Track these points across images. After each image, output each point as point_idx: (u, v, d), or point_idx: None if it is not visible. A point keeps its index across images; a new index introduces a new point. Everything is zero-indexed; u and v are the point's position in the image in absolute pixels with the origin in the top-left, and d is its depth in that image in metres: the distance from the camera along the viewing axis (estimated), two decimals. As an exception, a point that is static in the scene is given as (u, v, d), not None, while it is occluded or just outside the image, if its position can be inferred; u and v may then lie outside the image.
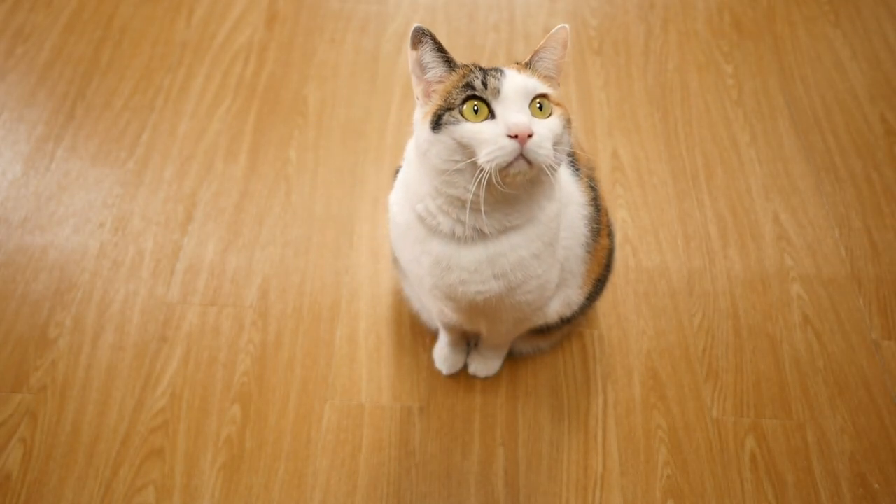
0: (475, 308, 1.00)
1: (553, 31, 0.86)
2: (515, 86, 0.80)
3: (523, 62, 0.87)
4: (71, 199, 1.54)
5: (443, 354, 1.30)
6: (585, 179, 1.05)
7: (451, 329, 1.24)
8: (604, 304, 1.41)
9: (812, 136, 1.69)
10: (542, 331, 1.21)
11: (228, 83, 1.76)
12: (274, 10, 1.93)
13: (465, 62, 0.87)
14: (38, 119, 1.68)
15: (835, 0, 1.99)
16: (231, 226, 1.51)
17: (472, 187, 0.80)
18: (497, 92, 0.79)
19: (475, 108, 0.79)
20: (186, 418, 1.26)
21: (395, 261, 1.18)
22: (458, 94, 0.81)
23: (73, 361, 1.32)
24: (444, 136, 0.80)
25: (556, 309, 1.11)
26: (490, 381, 1.31)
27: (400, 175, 1.00)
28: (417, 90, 0.87)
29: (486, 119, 0.79)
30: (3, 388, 1.28)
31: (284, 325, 1.38)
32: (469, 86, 0.80)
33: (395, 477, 1.21)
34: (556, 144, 0.82)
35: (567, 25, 0.86)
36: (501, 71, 0.82)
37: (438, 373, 1.31)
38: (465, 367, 1.31)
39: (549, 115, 0.82)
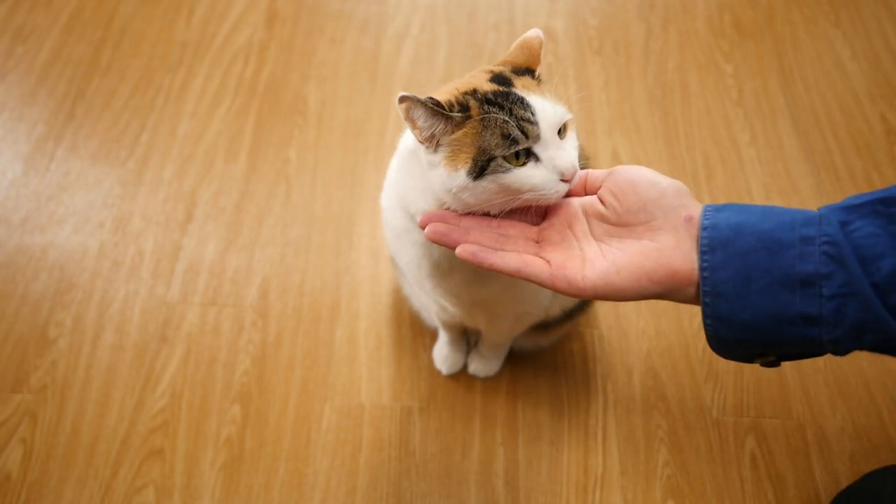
0: (478, 304, 1.00)
1: (527, 35, 0.82)
2: (549, 124, 0.76)
3: (535, 79, 0.82)
4: (71, 199, 1.54)
5: (443, 354, 1.30)
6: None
7: (450, 327, 1.24)
8: (604, 304, 1.41)
9: (812, 136, 1.69)
10: (543, 326, 1.21)
11: (228, 83, 1.76)
12: (274, 10, 1.93)
13: (465, 90, 0.78)
14: (38, 119, 1.68)
15: (835, 0, 1.98)
16: (231, 226, 1.51)
17: (498, 212, 0.78)
18: (537, 137, 0.76)
19: (517, 153, 0.77)
20: (186, 418, 1.26)
21: (394, 260, 1.18)
22: (498, 147, 0.75)
23: (73, 361, 1.32)
24: (488, 184, 0.76)
25: (558, 301, 1.11)
26: (490, 381, 1.31)
27: (389, 175, 0.96)
28: (416, 133, 0.78)
29: (527, 161, 0.76)
30: (3, 388, 1.28)
31: (284, 325, 1.38)
32: (511, 140, 0.75)
33: (395, 477, 1.21)
34: None
35: (539, 31, 0.82)
36: (528, 106, 0.76)
37: (438, 373, 1.31)
38: (466, 367, 1.31)
39: (566, 132, 0.80)
